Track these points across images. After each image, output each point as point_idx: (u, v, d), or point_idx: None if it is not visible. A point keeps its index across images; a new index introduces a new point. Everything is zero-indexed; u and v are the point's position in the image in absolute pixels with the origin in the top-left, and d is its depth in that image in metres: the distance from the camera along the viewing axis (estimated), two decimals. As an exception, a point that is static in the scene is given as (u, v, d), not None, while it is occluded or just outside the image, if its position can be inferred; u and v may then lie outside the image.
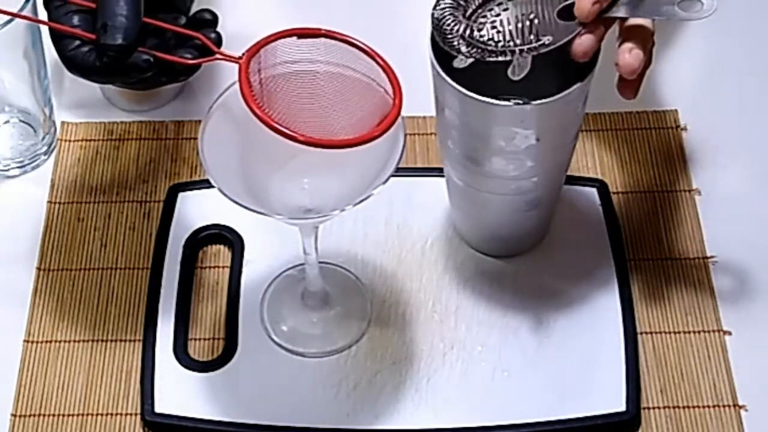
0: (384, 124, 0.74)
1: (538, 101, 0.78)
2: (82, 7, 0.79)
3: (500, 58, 0.77)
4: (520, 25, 0.77)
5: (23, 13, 0.85)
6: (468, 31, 0.78)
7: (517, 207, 0.87)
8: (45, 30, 0.82)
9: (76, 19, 0.79)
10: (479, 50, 0.77)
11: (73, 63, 0.79)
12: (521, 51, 0.77)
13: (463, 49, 0.77)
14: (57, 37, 0.79)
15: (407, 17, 1.01)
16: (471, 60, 0.78)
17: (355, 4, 1.06)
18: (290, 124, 0.74)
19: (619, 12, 0.78)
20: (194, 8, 0.85)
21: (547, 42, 0.77)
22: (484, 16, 0.79)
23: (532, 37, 0.77)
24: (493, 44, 0.77)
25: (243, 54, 0.75)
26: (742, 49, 1.04)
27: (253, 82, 0.75)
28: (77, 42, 0.78)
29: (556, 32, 0.77)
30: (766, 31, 1.05)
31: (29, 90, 0.95)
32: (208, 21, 0.81)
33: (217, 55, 0.77)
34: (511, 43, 0.77)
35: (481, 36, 0.78)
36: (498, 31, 0.77)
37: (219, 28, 0.81)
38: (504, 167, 0.82)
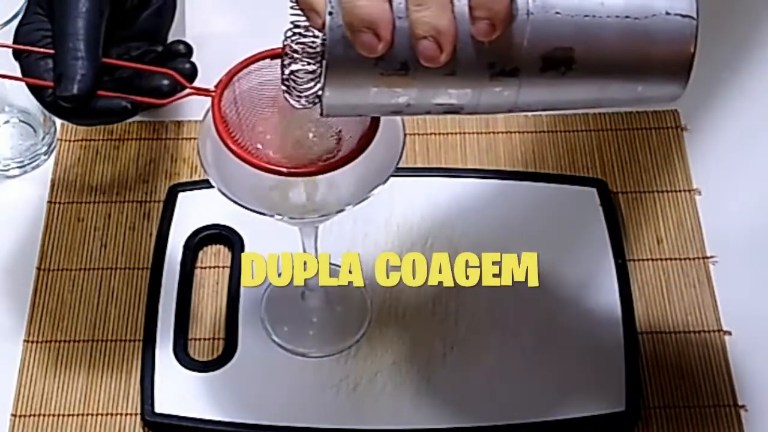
0: (362, 141, 0.73)
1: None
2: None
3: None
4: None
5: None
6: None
7: None
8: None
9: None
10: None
11: (53, 109, 0.77)
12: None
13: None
14: (33, 87, 0.77)
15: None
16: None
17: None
18: (274, 148, 0.73)
19: None
20: (170, 38, 0.84)
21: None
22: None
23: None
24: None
25: (215, 87, 0.74)
26: (743, 48, 1.04)
27: (230, 112, 0.74)
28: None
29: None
30: (766, 30, 1.05)
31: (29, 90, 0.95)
32: (181, 53, 0.79)
33: (189, 90, 0.76)
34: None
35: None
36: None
37: (195, 54, 0.79)
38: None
